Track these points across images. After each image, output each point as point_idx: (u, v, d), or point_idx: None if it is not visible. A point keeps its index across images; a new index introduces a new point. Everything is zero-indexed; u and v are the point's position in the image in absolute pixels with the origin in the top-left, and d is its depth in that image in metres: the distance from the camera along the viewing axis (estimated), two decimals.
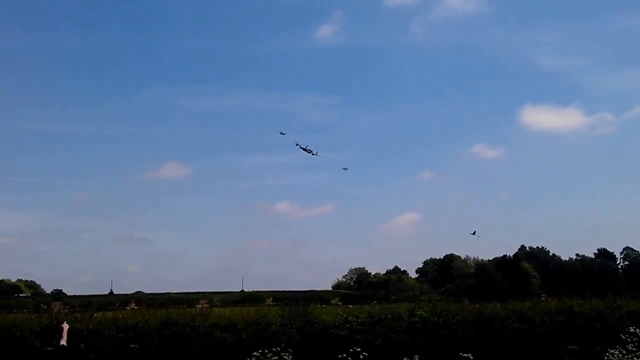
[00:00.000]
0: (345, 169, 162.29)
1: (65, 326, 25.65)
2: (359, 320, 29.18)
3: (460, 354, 28.25)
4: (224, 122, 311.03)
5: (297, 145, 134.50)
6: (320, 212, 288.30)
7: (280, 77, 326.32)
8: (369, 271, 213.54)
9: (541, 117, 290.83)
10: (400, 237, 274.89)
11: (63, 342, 24.96)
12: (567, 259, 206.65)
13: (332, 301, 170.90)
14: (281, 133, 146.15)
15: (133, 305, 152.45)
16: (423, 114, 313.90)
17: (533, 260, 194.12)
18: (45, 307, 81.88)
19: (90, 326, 26.95)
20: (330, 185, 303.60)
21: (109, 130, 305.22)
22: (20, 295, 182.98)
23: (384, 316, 29.61)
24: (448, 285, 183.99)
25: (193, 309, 30.54)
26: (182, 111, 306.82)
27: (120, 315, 28.50)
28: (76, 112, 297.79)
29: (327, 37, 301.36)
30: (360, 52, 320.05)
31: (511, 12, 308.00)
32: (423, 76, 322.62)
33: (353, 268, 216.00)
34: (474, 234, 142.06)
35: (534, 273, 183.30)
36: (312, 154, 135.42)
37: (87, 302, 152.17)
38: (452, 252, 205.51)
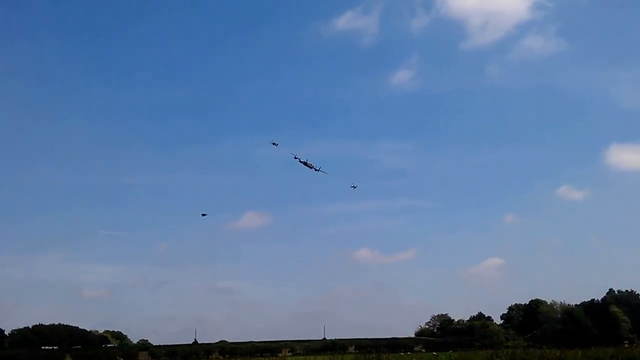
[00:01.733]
0: (354, 186, 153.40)
1: None
2: None
3: None
4: (303, 169, 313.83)
5: (295, 158, 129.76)
6: (401, 258, 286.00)
7: (357, 123, 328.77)
8: (452, 317, 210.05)
9: (627, 157, 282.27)
10: (483, 283, 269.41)
11: None
12: None
13: (415, 348, 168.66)
14: (273, 144, 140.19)
15: (217, 355, 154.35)
16: (504, 156, 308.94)
17: (622, 304, 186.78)
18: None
19: None
20: (411, 230, 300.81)
21: (190, 181, 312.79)
22: (108, 345, 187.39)
23: None
24: (534, 331, 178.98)
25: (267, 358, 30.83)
26: (260, 160, 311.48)
27: None
28: (157, 164, 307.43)
29: (404, 81, 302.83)
30: (437, 96, 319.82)
31: (591, 51, 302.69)
32: (502, 118, 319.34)
33: (436, 315, 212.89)
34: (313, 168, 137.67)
35: (624, 317, 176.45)
36: (315, 170, 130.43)
37: (172, 352, 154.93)
38: (538, 297, 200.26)
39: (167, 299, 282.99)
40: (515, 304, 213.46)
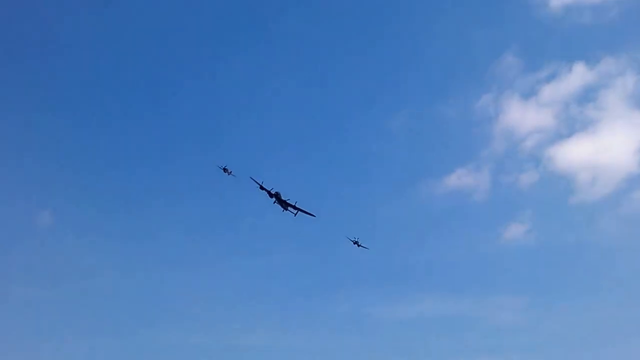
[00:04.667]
0: (356, 242, 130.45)
1: None
2: None
3: None
4: (418, 327, 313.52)
5: (261, 189, 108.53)
6: None
7: (469, 279, 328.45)
8: None
9: None
10: None
11: None
12: None
13: None
14: (224, 170, 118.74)
15: None
16: (621, 310, 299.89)
17: None
18: None
19: None
20: None
21: (301, 341, 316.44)
22: None
23: None
24: None
25: None
26: (372, 319, 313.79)
27: None
28: (268, 323, 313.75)
29: (516, 236, 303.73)
30: (550, 251, 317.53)
31: None
32: (616, 273, 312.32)
33: None
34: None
35: None
36: (293, 208, 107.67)
37: None
38: None
39: None
40: None
